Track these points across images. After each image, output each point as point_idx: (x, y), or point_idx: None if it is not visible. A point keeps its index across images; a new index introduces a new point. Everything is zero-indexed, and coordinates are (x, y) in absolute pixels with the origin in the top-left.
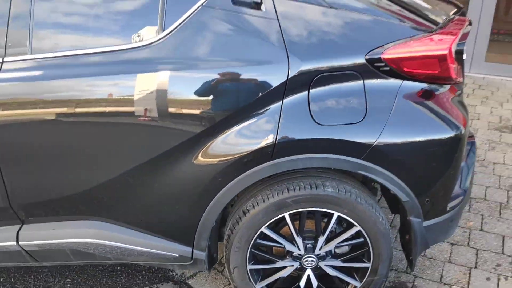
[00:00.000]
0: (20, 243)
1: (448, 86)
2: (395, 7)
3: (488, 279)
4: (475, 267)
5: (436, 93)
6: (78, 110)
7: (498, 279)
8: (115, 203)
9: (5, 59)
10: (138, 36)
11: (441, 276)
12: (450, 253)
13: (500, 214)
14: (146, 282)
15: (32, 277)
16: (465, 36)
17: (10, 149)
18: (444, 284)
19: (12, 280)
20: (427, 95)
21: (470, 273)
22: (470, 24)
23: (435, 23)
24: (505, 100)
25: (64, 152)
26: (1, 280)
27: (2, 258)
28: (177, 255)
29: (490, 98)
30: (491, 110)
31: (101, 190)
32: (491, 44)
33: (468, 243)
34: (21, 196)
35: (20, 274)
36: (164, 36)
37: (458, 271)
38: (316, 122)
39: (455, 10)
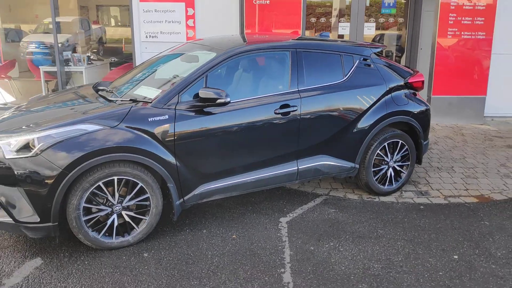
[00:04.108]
0: (298, 167)
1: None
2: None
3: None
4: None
5: (417, 93)
6: (326, 108)
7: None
8: (331, 145)
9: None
10: (335, 78)
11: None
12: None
13: None
14: (311, 197)
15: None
16: None
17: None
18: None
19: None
20: (415, 94)
21: (427, 172)
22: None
23: (412, 70)
24: None
25: (326, 125)
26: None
27: (282, 179)
28: (349, 167)
29: None
30: None
31: (328, 140)
32: None
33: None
34: (303, 144)
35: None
36: (345, 78)
37: (418, 174)
38: (396, 104)
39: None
